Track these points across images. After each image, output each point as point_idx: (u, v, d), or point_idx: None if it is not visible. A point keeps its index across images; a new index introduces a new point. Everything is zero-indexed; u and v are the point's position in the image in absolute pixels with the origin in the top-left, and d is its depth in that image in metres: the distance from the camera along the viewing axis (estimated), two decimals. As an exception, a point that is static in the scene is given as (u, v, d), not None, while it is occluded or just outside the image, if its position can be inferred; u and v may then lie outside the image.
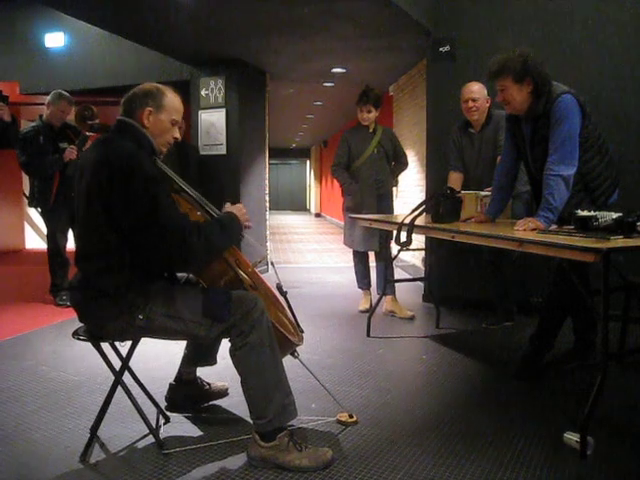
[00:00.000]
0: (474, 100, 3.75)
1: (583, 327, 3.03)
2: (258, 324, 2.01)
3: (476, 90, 3.75)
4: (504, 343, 3.65)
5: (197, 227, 1.98)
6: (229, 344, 2.07)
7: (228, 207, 2.22)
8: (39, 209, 4.72)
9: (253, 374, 2.02)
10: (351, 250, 4.66)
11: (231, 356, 2.04)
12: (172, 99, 2.11)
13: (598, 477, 1.97)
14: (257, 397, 2.02)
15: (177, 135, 2.17)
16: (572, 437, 2.14)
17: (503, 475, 1.97)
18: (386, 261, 4.42)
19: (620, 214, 2.29)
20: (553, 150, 2.63)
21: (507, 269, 3.90)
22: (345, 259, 7.81)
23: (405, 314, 4.34)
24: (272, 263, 2.64)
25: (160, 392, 2.53)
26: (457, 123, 3.99)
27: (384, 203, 4.49)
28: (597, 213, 2.33)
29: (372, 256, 4.65)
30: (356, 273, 4.68)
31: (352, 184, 4.44)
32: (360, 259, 4.63)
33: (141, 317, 1.99)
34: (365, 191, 4.42)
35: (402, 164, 4.64)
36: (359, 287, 4.69)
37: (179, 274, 2.30)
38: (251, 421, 2.07)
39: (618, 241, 2.14)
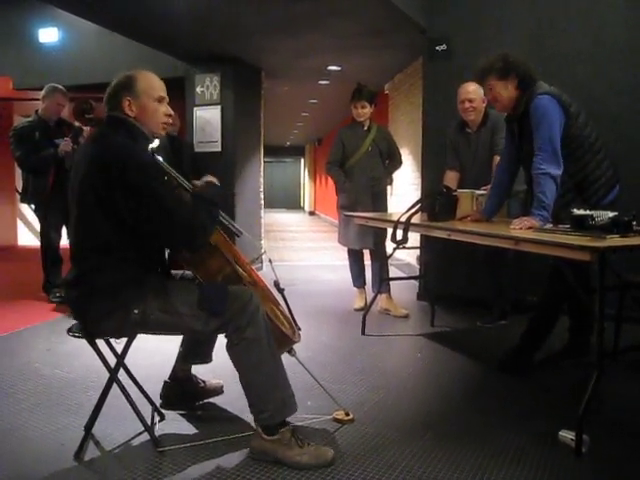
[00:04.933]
0: (470, 101, 3.76)
1: (578, 325, 3.04)
2: (254, 319, 2.01)
3: (472, 90, 3.75)
4: (499, 342, 3.65)
5: (196, 208, 2.05)
6: (225, 342, 2.06)
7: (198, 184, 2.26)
8: (32, 205, 4.69)
9: (251, 369, 2.01)
10: (346, 248, 4.66)
11: (228, 352, 2.04)
12: (146, 80, 2.09)
13: (593, 475, 1.98)
14: (256, 392, 2.02)
15: (168, 110, 2.14)
16: (567, 435, 2.15)
17: (498, 472, 1.97)
18: (381, 259, 4.43)
19: (616, 213, 2.29)
20: (537, 150, 2.67)
21: (502, 268, 3.91)
22: (340, 257, 7.79)
23: (400, 312, 4.35)
24: (270, 260, 2.63)
25: (155, 390, 2.51)
26: (454, 122, 3.99)
27: (379, 201, 4.49)
28: (593, 212, 2.33)
29: (367, 254, 4.65)
30: (351, 271, 4.67)
31: (346, 182, 4.44)
32: (355, 257, 4.63)
33: (137, 312, 1.98)
34: (359, 189, 4.41)
35: (396, 162, 4.64)
36: (354, 285, 4.68)
37: (175, 272, 2.30)
38: (251, 416, 2.07)
39: (614, 240, 2.14)
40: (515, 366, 2.96)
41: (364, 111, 4.37)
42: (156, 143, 2.18)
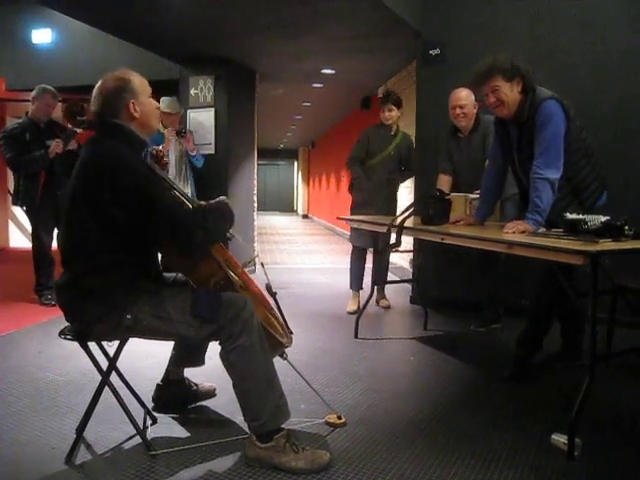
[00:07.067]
0: (461, 107, 3.76)
1: (570, 329, 3.06)
2: (248, 326, 1.99)
3: (463, 97, 3.75)
4: (492, 345, 3.66)
5: (200, 215, 2.04)
6: (218, 346, 2.05)
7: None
8: (24, 207, 4.66)
9: (245, 377, 2.00)
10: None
11: (222, 360, 2.02)
12: (137, 79, 2.11)
13: (586, 478, 1.98)
14: (250, 400, 2.01)
15: (157, 104, 2.20)
16: (560, 438, 2.16)
17: (491, 476, 1.98)
18: (383, 255, 4.48)
19: (608, 217, 2.31)
20: (538, 154, 2.66)
21: (495, 271, 3.92)
22: (333, 260, 7.80)
23: (383, 303, 4.63)
24: (262, 264, 2.62)
25: (147, 392, 2.50)
26: (447, 127, 4.00)
27: (392, 203, 4.63)
28: (586, 216, 2.34)
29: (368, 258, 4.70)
30: (351, 272, 4.69)
31: (364, 180, 4.52)
32: (358, 257, 4.66)
33: (129, 317, 1.97)
34: (375, 189, 4.51)
35: (411, 171, 4.78)
36: (350, 287, 4.69)
37: (167, 274, 2.29)
38: (245, 423, 2.06)
39: (607, 244, 2.15)
40: (525, 374, 2.95)
41: (391, 114, 4.48)
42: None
